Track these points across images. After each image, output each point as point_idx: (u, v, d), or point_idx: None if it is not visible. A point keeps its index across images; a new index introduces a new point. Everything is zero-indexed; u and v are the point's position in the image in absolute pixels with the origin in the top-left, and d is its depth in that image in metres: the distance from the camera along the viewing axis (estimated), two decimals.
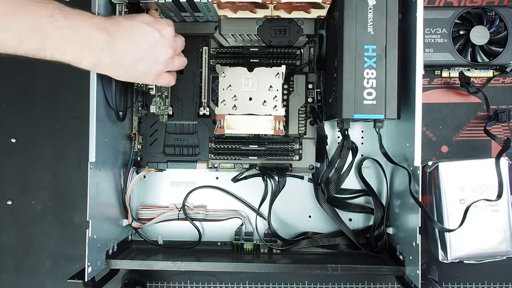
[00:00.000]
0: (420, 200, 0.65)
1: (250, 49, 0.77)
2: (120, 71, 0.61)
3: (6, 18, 0.50)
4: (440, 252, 0.74)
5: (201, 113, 0.80)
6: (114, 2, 0.68)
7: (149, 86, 0.75)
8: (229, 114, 0.69)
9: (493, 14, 0.78)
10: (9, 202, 0.85)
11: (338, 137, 0.82)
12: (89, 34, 0.55)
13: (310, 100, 0.78)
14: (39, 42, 0.52)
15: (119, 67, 0.60)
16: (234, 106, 0.70)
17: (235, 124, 0.69)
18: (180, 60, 0.66)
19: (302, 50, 0.78)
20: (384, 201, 0.81)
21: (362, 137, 0.83)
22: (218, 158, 0.79)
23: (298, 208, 0.83)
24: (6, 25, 0.50)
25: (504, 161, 0.73)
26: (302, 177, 0.82)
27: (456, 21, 0.78)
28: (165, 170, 0.81)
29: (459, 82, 0.81)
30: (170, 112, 0.80)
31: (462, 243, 0.72)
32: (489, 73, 0.81)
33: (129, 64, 0.60)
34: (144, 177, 0.83)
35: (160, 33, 0.61)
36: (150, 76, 0.63)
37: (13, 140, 0.85)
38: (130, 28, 0.59)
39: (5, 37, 0.51)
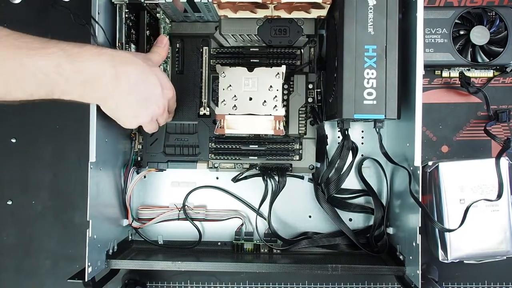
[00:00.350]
0: (420, 200, 0.65)
1: (250, 49, 0.77)
2: (110, 103, 0.60)
3: (16, 77, 0.51)
4: (440, 252, 0.74)
5: (201, 113, 0.80)
6: (115, 2, 0.68)
7: None
8: (229, 114, 0.69)
9: (493, 14, 0.78)
10: (9, 202, 0.85)
11: (338, 137, 0.83)
12: (95, 74, 0.55)
13: (310, 100, 0.78)
14: (48, 92, 0.54)
15: (110, 99, 0.60)
16: (234, 106, 0.70)
17: (235, 124, 0.69)
18: (164, 118, 0.69)
19: (302, 50, 0.78)
20: (384, 201, 0.81)
21: (362, 137, 0.83)
22: (218, 158, 0.79)
23: (298, 208, 0.83)
24: (17, 86, 0.52)
25: (504, 161, 0.73)
26: (302, 177, 0.82)
27: (456, 21, 0.78)
28: (165, 170, 0.81)
29: (459, 82, 0.81)
30: None
31: (462, 243, 0.72)
32: (490, 73, 0.81)
33: (120, 102, 0.60)
34: (145, 177, 0.83)
35: (162, 91, 0.63)
36: (133, 123, 0.64)
37: (13, 140, 0.85)
38: (138, 71, 0.60)
39: (17, 94, 0.53)
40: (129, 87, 0.59)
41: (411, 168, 0.67)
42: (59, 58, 0.53)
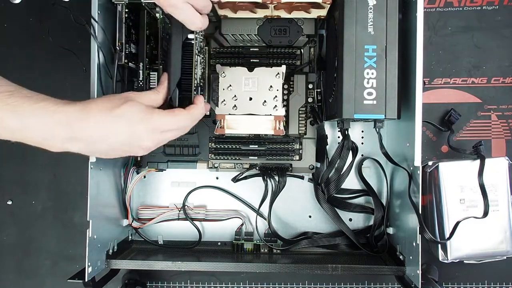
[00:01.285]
0: (420, 200, 0.65)
1: (250, 49, 0.77)
2: (90, 154, 0.59)
3: None
4: (440, 252, 0.74)
5: None
6: (115, 2, 0.68)
7: (150, 86, 0.75)
8: (229, 114, 0.69)
9: None
10: (9, 202, 0.85)
11: (338, 137, 0.83)
12: (46, 133, 0.51)
13: (310, 100, 0.78)
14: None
15: (87, 153, 0.57)
16: (234, 106, 0.70)
17: (235, 124, 0.69)
18: (167, 140, 0.60)
19: (302, 50, 0.78)
20: (384, 201, 0.81)
21: (362, 137, 0.83)
22: (218, 158, 0.79)
23: (298, 208, 0.83)
24: None
25: (504, 161, 0.73)
26: (302, 177, 0.82)
27: None
28: (165, 170, 0.81)
29: (459, 82, 0.81)
30: None
31: (462, 243, 0.72)
32: None
33: (99, 153, 0.57)
34: (144, 177, 0.83)
35: (134, 130, 0.54)
36: (130, 154, 0.58)
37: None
38: (101, 125, 0.52)
39: None
40: (89, 142, 0.53)
41: (411, 168, 0.67)
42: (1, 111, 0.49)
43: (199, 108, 0.61)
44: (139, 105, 0.55)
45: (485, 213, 0.67)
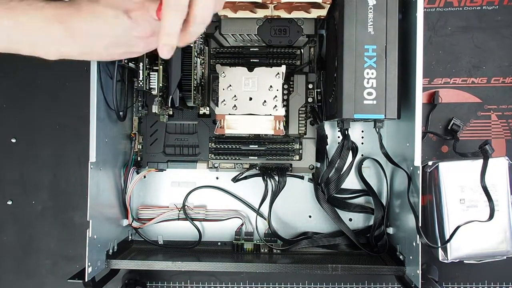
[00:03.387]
0: (420, 201, 0.65)
1: (250, 49, 0.77)
2: (93, 56, 0.54)
3: None
4: (440, 252, 0.74)
5: (201, 112, 0.80)
6: None
7: (151, 86, 0.75)
8: (229, 114, 0.69)
9: None
10: (9, 202, 0.85)
11: (338, 137, 0.82)
12: (39, 31, 0.48)
13: (310, 100, 0.78)
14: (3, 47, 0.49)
15: (89, 54, 0.53)
16: (234, 106, 0.70)
17: (235, 124, 0.69)
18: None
19: (302, 50, 0.78)
20: (384, 201, 0.81)
21: (362, 137, 0.83)
22: (218, 158, 0.79)
23: (298, 208, 0.83)
24: None
25: (504, 161, 0.73)
26: (302, 177, 0.82)
27: None
28: (165, 170, 0.81)
29: (459, 82, 0.81)
30: (171, 112, 0.80)
31: (462, 243, 0.72)
32: None
33: (101, 50, 0.52)
34: (144, 177, 0.83)
35: (129, 17, 0.50)
36: (133, 53, 0.54)
37: (13, 140, 0.85)
38: (91, 15, 0.49)
39: None
40: (87, 35, 0.50)
41: (411, 169, 0.67)
42: None
43: None
44: None
45: (491, 216, 0.67)
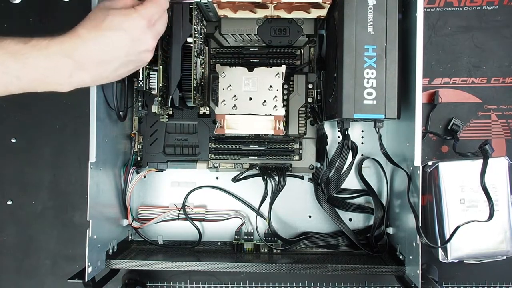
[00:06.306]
0: (420, 201, 0.65)
1: (250, 49, 0.77)
2: (104, 80, 0.57)
3: None
4: (440, 252, 0.74)
5: (201, 112, 0.80)
6: None
7: (151, 86, 0.75)
8: (229, 114, 0.69)
9: None
10: (9, 202, 0.85)
11: (338, 137, 0.83)
12: (48, 69, 0.50)
13: (310, 100, 0.78)
14: (5, 90, 0.50)
15: (100, 80, 0.56)
16: (234, 106, 0.70)
17: (235, 124, 0.69)
18: (161, 28, 0.59)
19: (302, 50, 0.78)
20: (384, 201, 0.81)
21: (362, 137, 0.83)
22: (218, 158, 0.79)
23: (298, 208, 0.83)
24: None
25: (504, 161, 0.73)
26: (302, 177, 0.82)
27: None
28: (165, 170, 0.81)
29: (459, 82, 0.81)
30: (171, 112, 0.80)
31: (462, 243, 0.72)
32: None
33: (110, 74, 0.55)
34: (144, 177, 0.83)
35: (131, 35, 0.53)
36: (141, 66, 0.59)
37: (13, 140, 0.85)
38: (95, 42, 0.52)
39: None
40: (98, 63, 0.52)
41: (411, 169, 0.67)
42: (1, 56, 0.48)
43: None
44: (119, 11, 0.53)
45: (491, 216, 0.67)
